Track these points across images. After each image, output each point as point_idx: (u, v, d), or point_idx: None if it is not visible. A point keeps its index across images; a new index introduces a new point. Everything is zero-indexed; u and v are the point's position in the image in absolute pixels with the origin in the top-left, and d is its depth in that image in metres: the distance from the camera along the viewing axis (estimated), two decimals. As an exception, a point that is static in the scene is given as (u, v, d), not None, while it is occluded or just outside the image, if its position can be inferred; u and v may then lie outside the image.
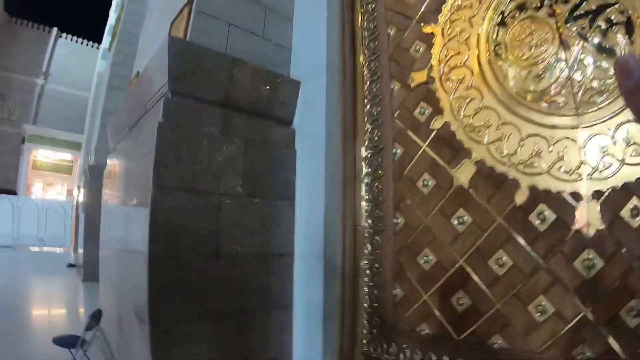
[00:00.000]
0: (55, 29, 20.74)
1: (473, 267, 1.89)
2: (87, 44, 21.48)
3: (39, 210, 12.54)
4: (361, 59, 2.57)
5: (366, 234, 2.28)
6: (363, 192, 2.34)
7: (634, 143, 1.51)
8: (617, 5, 1.63)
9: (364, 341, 2.25)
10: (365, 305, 2.25)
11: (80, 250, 7.27)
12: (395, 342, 2.14)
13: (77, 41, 21.38)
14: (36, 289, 6.17)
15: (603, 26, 1.67)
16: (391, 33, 2.48)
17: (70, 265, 8.03)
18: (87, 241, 6.07)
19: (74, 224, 10.39)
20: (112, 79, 6.37)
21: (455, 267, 1.95)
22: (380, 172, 2.32)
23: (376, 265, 2.25)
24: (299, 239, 2.35)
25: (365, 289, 2.27)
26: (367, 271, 2.26)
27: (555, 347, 1.61)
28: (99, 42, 15.62)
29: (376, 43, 2.55)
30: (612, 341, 1.48)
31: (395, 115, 2.36)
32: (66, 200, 15.31)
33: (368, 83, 2.48)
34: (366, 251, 2.28)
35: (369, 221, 2.30)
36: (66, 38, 21.12)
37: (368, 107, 2.45)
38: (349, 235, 2.30)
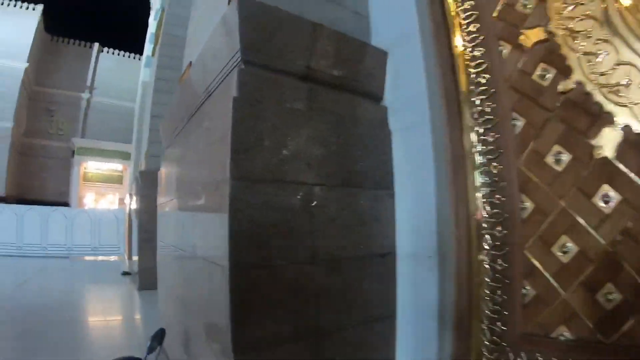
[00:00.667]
0: (96, 44, 21.76)
1: (625, 255, 1.51)
2: (128, 56, 22.37)
3: (92, 220, 12.97)
4: (457, 21, 2.18)
5: (485, 225, 1.90)
6: (477, 175, 1.95)
7: None
8: None
9: (485, 352, 1.88)
10: (486, 310, 1.87)
11: (135, 258, 7.33)
12: (525, 351, 1.75)
13: (118, 54, 22.32)
14: (93, 299, 6.16)
15: None
16: (491, -12, 2.07)
17: (125, 274, 8.12)
18: (141, 248, 6.04)
19: (127, 232, 10.65)
20: (158, 83, 6.34)
21: (603, 256, 1.57)
22: (497, 149, 1.92)
23: (499, 261, 1.86)
24: (402, 235, 1.99)
25: (485, 290, 1.89)
26: (488, 269, 1.88)
27: None
28: (141, 53, 16.12)
29: (473, 2, 2.16)
30: None
31: (509, 82, 1.97)
32: (118, 208, 15.86)
33: (470, 48, 2.09)
34: (485, 245, 1.89)
35: (487, 209, 1.91)
36: (108, 52, 22.10)
37: (473, 75, 2.06)
38: (463, 227, 1.92)
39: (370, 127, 1.99)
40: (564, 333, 1.68)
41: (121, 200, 19.19)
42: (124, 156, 19.42)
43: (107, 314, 5.07)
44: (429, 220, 1.85)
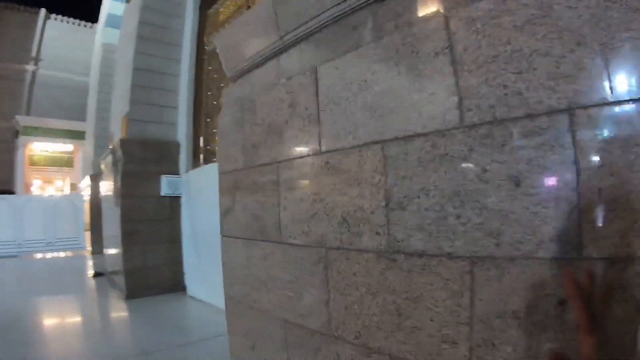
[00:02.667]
0: (43, 10, 18.73)
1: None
2: (79, 24, 19.43)
3: (45, 208, 10.85)
4: None
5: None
6: None
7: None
8: None
9: None
10: None
11: (110, 253, 5.81)
12: None
13: (68, 21, 19.34)
14: (63, 327, 3.82)
15: None
16: None
17: (97, 275, 6.48)
18: (126, 244, 4.60)
19: (91, 222, 8.92)
20: (143, 29, 4.82)
21: None
22: None
23: None
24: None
25: None
26: None
27: None
28: (93, 20, 13.89)
29: None
30: None
31: None
32: (74, 194, 13.56)
33: None
34: None
35: None
36: (56, 19, 19.08)
37: None
38: None
39: None
40: None
41: (74, 186, 16.81)
42: (75, 135, 16.86)
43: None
44: None
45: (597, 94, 0.86)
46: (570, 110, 0.90)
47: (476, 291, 1.07)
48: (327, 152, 1.49)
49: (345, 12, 1.46)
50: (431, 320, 1.17)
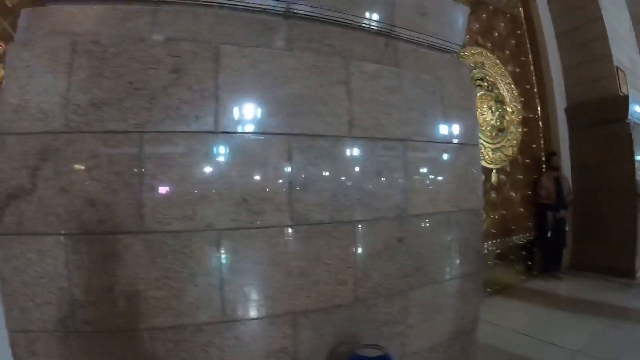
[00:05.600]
0: None
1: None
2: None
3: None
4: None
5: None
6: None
7: (502, 153, 3.54)
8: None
9: None
10: None
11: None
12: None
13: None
14: None
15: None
16: None
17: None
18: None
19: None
20: None
21: None
22: None
23: None
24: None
25: None
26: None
27: (486, 230, 3.66)
28: None
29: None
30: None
31: None
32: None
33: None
34: None
35: None
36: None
37: None
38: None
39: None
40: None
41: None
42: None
43: None
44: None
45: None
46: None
47: (357, 242, 1.69)
48: (226, 132, 1.49)
49: (260, 9, 1.61)
50: (328, 272, 1.62)
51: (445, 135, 2.01)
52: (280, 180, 1.54)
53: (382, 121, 1.78)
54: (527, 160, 4.31)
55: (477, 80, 3.81)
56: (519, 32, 4.50)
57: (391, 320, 1.77)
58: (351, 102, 1.72)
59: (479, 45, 3.92)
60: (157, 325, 1.37)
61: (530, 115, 4.43)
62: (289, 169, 1.56)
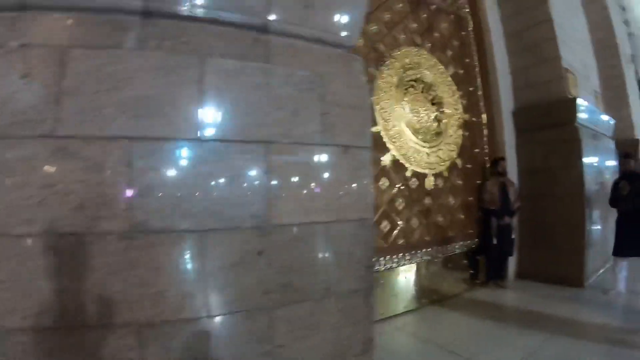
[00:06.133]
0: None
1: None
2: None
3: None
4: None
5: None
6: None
7: (439, 157, 3.75)
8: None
9: None
10: None
11: None
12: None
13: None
14: None
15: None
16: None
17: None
18: None
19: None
20: None
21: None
22: None
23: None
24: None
25: None
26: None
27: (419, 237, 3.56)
28: None
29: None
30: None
31: None
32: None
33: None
34: None
35: None
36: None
37: None
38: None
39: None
40: (400, 242, 3.36)
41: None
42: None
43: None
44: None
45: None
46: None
47: (206, 253, 1.53)
48: (66, 137, 1.41)
49: (115, 9, 1.53)
50: (172, 283, 1.48)
51: (323, 137, 1.82)
52: (119, 186, 1.42)
53: (240, 122, 1.62)
54: (469, 165, 4.12)
55: (411, 81, 3.65)
56: (463, 33, 4.34)
57: (254, 338, 1.62)
58: (203, 103, 1.56)
59: (416, 45, 3.77)
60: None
61: (474, 119, 4.24)
62: (129, 175, 1.43)
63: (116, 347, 1.41)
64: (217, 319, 1.56)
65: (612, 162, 5.10)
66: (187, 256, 1.50)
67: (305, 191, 1.74)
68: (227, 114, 1.61)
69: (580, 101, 4.23)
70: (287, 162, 1.71)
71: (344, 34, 2.01)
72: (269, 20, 1.79)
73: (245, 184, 1.61)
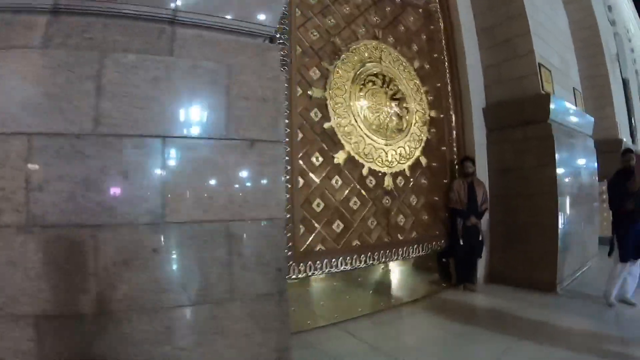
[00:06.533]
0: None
1: (345, 208, 3.30)
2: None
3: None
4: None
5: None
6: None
7: (400, 155, 3.56)
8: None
9: None
10: None
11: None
12: (303, 261, 3.00)
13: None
14: None
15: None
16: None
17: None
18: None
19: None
20: None
21: (335, 209, 3.24)
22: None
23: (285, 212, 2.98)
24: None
25: None
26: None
27: (378, 238, 3.44)
28: None
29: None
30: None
31: (298, 112, 3.13)
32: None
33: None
34: None
35: None
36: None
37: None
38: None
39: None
40: (321, 247, 3.11)
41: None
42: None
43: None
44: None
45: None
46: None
47: (99, 249, 1.51)
48: None
49: (21, 8, 1.55)
50: (65, 278, 1.48)
51: (226, 131, 1.73)
52: (18, 180, 1.46)
53: (137, 116, 1.58)
54: (435, 164, 3.94)
55: (370, 76, 3.51)
56: (432, 27, 4.19)
57: (152, 339, 1.56)
58: (100, 98, 1.56)
59: (376, 38, 3.63)
60: None
61: (441, 116, 4.08)
62: (27, 169, 1.47)
63: (18, 337, 1.42)
64: (112, 316, 1.51)
65: (591, 161, 4.86)
66: (81, 251, 1.48)
67: (205, 188, 1.67)
68: (123, 109, 1.57)
69: (554, 97, 4.04)
70: (185, 157, 1.65)
71: (261, 23, 1.94)
72: (178, 11, 1.73)
73: (139, 180, 1.56)
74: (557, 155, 3.87)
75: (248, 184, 1.77)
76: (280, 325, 1.82)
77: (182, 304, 1.60)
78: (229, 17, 1.84)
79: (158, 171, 1.59)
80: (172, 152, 1.62)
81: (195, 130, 1.69)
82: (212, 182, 1.69)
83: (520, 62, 4.18)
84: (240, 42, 1.88)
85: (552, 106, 3.94)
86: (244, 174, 1.77)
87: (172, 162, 1.62)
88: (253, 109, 1.80)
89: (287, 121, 2.94)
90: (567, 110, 4.33)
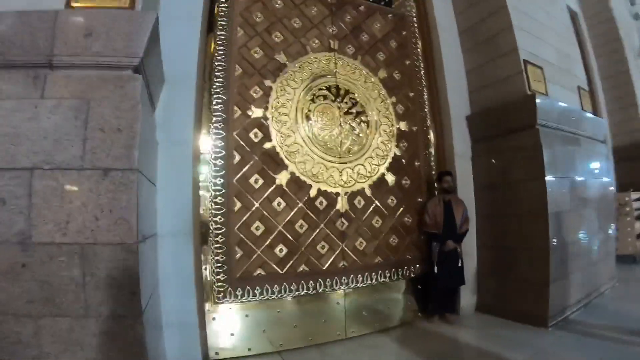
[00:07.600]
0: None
1: (287, 230, 3.13)
2: None
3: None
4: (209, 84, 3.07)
5: (212, 214, 2.90)
6: (210, 187, 2.93)
7: (359, 173, 3.33)
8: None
9: (216, 290, 2.86)
10: (214, 265, 2.85)
11: None
12: (240, 286, 2.91)
13: None
14: None
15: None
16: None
17: None
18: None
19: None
20: None
21: (276, 231, 3.09)
22: (222, 171, 2.96)
23: (219, 236, 2.89)
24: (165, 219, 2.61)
25: (213, 254, 2.87)
26: (213, 241, 2.89)
27: (331, 264, 3.18)
28: None
29: (221, 77, 3.09)
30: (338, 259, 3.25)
31: (235, 133, 3.06)
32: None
33: (216, 108, 3.02)
34: (212, 227, 2.88)
35: (214, 205, 2.92)
36: None
37: (214, 125, 3.00)
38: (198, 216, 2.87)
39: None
40: (260, 272, 2.97)
41: None
42: None
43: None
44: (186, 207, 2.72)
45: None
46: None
47: None
48: None
49: None
50: None
51: (82, 162, 1.79)
52: None
53: (12, 152, 1.84)
54: (406, 181, 3.59)
55: (323, 90, 3.32)
56: (404, 32, 3.89)
57: (23, 341, 1.80)
58: None
59: (331, 50, 3.44)
60: None
61: (414, 128, 3.72)
62: None
63: None
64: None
65: (603, 170, 4.11)
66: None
67: (63, 213, 1.85)
68: (2, 146, 1.83)
69: (543, 98, 3.51)
70: (47, 186, 1.86)
71: (126, 54, 2.07)
72: (54, 56, 1.99)
73: (12, 206, 1.80)
74: (547, 167, 3.31)
75: (100, 211, 1.86)
76: (138, 346, 1.90)
77: (46, 315, 1.81)
78: (94, 52, 2.02)
79: (25, 199, 1.81)
80: (37, 182, 1.84)
81: (56, 163, 1.87)
82: (69, 208, 1.84)
83: (503, 60, 3.73)
84: (104, 75, 2.04)
85: (540, 108, 3.40)
86: (97, 201, 1.86)
87: (36, 191, 1.83)
88: (108, 139, 1.91)
89: (222, 143, 2.93)
90: (563, 112, 3.70)
